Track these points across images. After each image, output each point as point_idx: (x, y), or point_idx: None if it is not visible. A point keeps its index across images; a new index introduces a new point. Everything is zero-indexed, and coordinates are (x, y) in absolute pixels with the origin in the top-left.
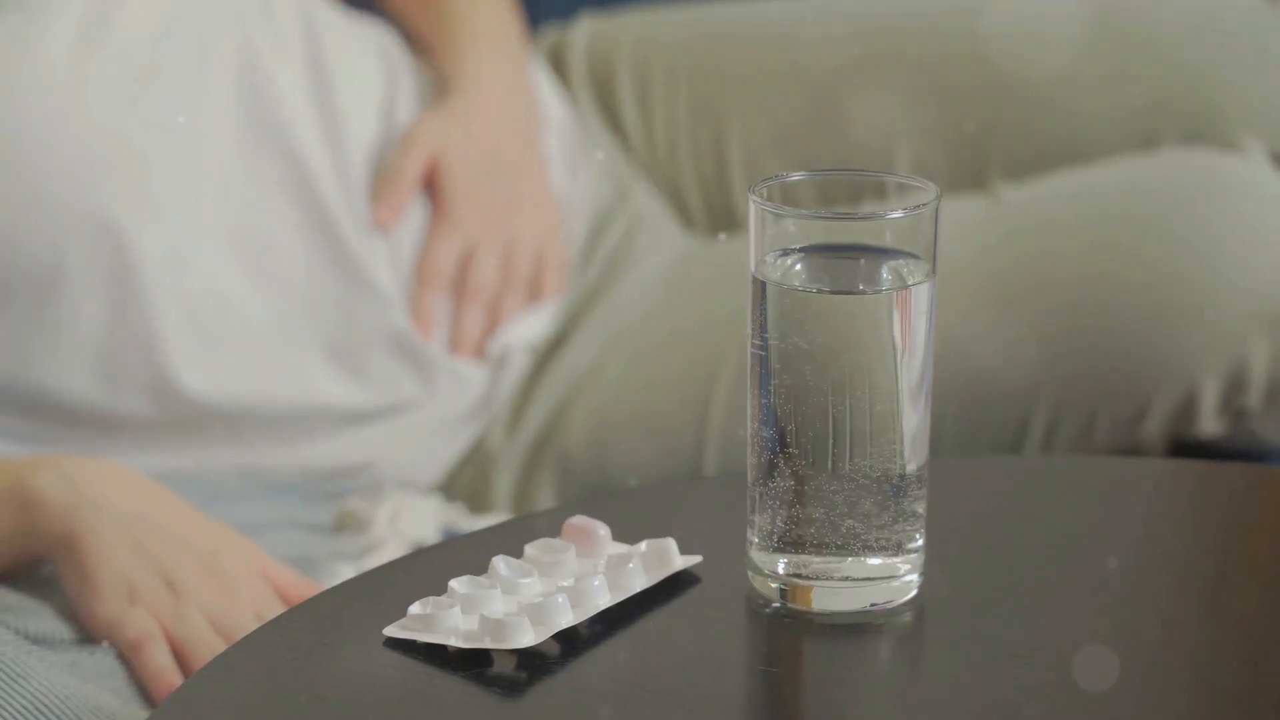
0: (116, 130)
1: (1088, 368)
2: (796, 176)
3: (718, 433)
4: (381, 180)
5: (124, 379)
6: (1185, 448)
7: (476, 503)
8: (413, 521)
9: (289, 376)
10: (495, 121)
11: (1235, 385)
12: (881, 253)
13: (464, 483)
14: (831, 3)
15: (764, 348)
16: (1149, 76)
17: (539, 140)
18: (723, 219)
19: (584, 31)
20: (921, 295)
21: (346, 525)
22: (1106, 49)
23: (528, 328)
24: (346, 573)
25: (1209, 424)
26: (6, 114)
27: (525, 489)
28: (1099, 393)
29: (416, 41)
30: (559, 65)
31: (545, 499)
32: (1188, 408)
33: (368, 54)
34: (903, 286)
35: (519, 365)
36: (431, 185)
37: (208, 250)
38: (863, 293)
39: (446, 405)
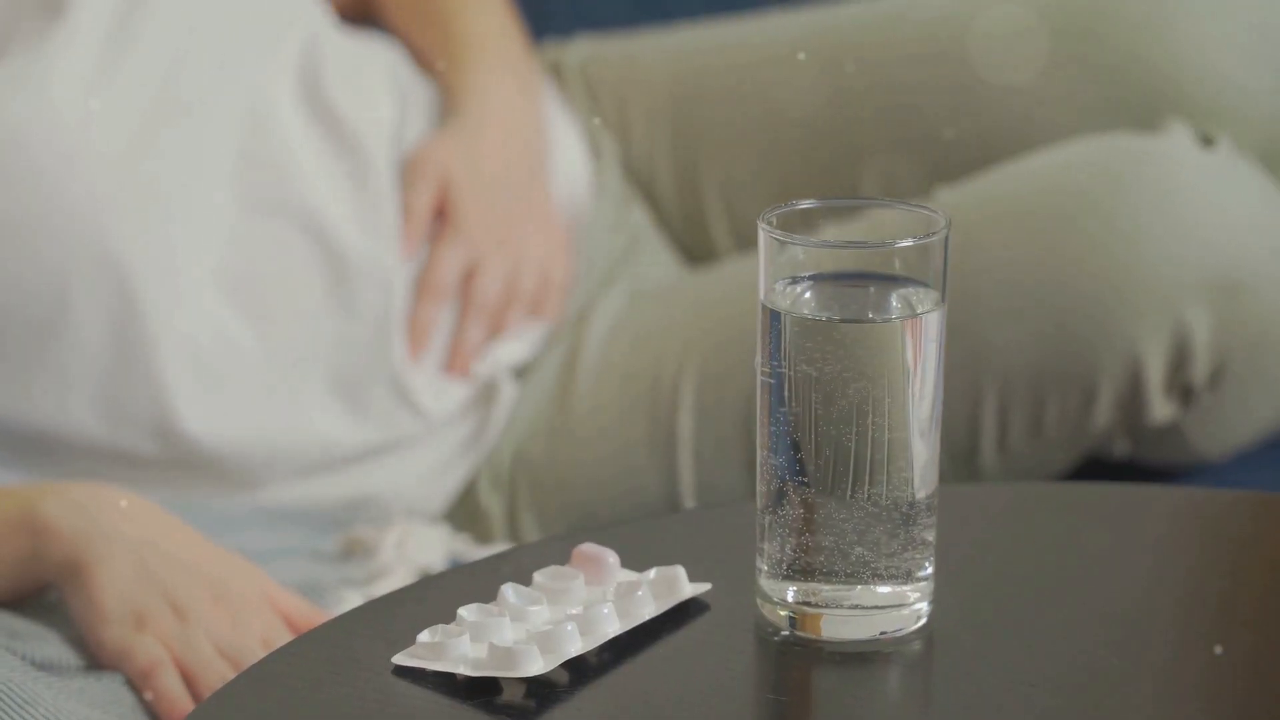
0: (123, 171)
1: (1030, 354)
2: (806, 204)
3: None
4: (403, 216)
5: (126, 418)
6: (1124, 469)
7: (479, 533)
8: (419, 548)
9: (290, 417)
10: (502, 140)
11: (1180, 359)
12: (891, 280)
13: (465, 513)
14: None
15: (773, 375)
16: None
17: (545, 159)
18: (700, 245)
19: (579, 52)
20: (931, 323)
21: (353, 552)
22: (1066, 48)
23: (515, 350)
24: (353, 600)
25: (1158, 407)
26: (14, 154)
27: (514, 517)
28: (1045, 379)
29: (421, 58)
30: (556, 82)
31: (529, 526)
32: (1135, 390)
33: (376, 76)
34: (912, 315)
35: (509, 395)
36: (441, 205)
37: (211, 291)
38: (872, 321)
39: (443, 440)
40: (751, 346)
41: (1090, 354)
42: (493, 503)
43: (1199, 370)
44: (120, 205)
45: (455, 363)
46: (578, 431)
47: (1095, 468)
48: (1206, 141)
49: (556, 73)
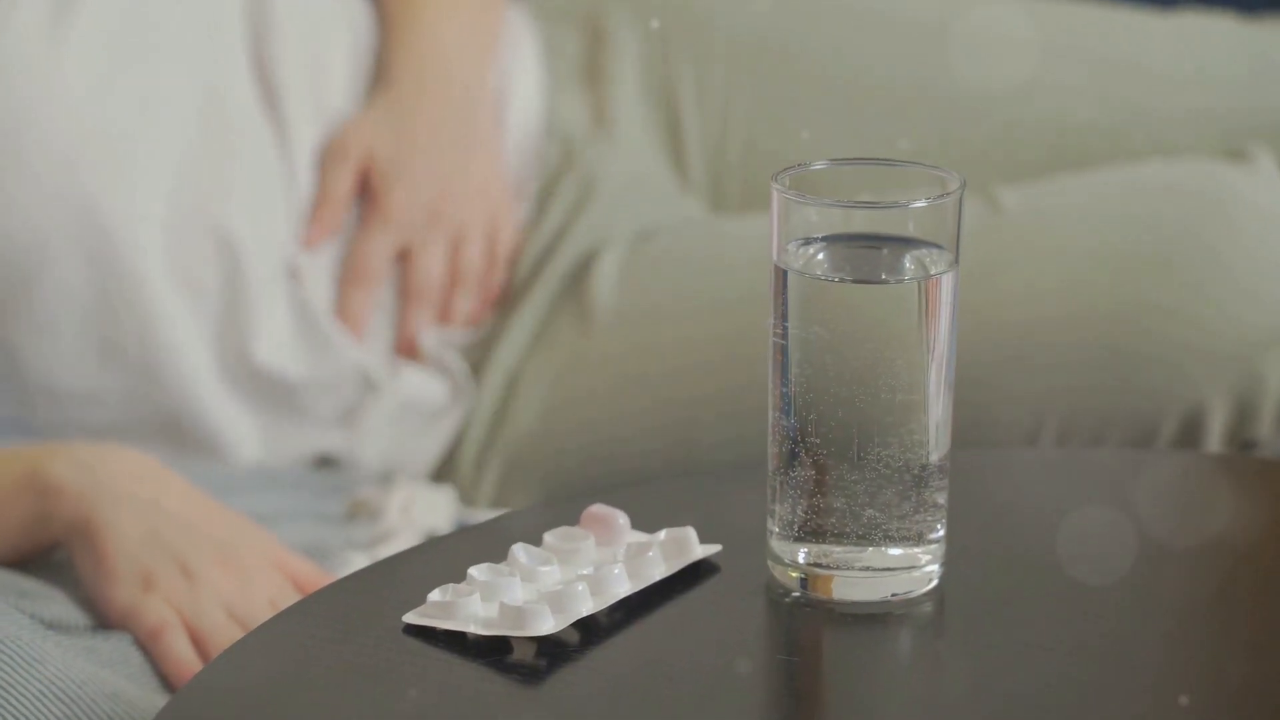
0: (93, 108)
1: (1095, 383)
2: (819, 165)
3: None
4: (315, 200)
5: (114, 359)
6: None
7: (465, 497)
8: (425, 511)
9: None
10: (432, 107)
11: (1245, 411)
12: (905, 242)
13: (459, 478)
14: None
15: (785, 336)
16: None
17: (494, 119)
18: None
19: None
20: (945, 285)
21: (358, 515)
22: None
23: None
24: (359, 561)
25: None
26: None
27: (505, 483)
28: (1105, 410)
29: (380, 12)
30: None
31: (519, 492)
32: (1194, 433)
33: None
34: (926, 276)
35: (462, 369)
36: (365, 185)
37: (182, 223)
38: (885, 282)
39: (411, 405)
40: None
41: (1157, 393)
42: (475, 465)
43: (1265, 423)
44: (92, 142)
45: (402, 345)
46: (584, 398)
47: None
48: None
49: None
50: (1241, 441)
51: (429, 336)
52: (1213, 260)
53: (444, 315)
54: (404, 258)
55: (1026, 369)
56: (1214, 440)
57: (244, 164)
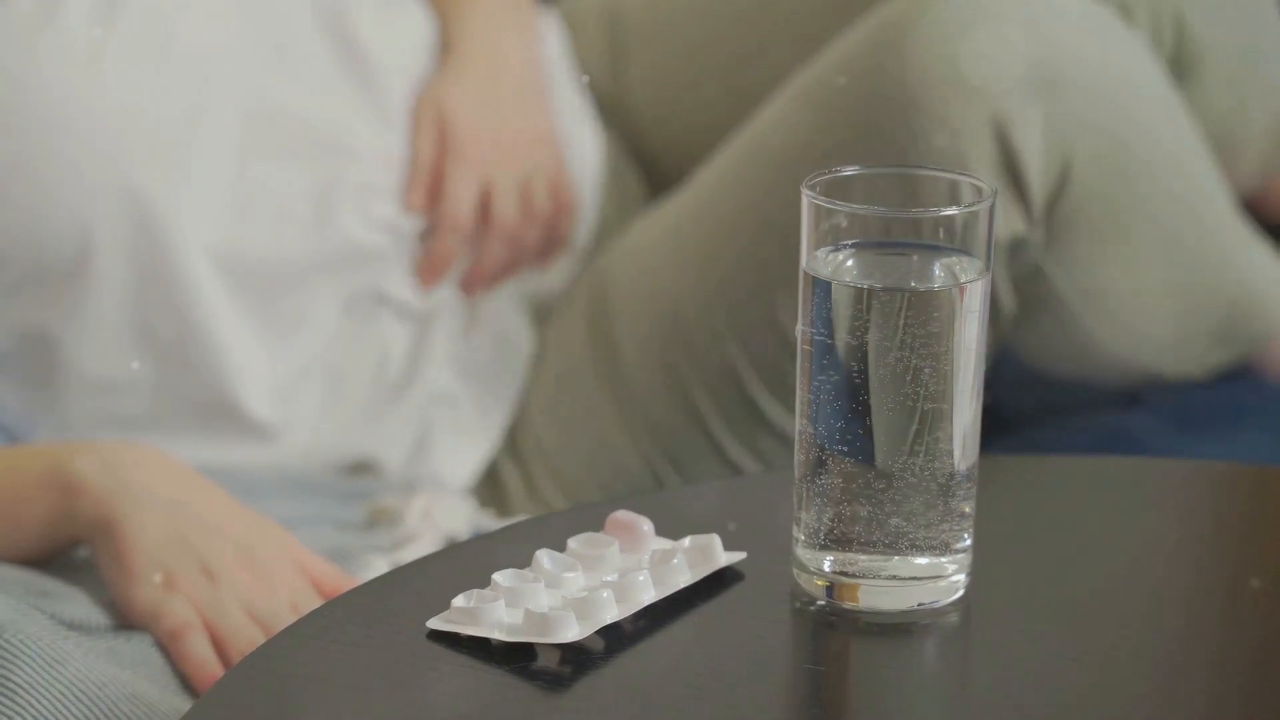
0: (137, 105)
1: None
2: (850, 171)
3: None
4: (412, 172)
5: (158, 354)
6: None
7: (502, 509)
8: (445, 517)
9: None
10: (493, 70)
11: (1010, 161)
12: (934, 249)
13: (488, 489)
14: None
15: (813, 343)
16: None
17: (541, 90)
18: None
19: None
20: (974, 293)
21: (379, 522)
22: None
23: (533, 285)
24: (380, 566)
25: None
26: (28, 96)
27: (535, 492)
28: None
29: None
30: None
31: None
32: None
33: (404, 17)
34: (955, 284)
35: (524, 348)
36: (443, 142)
37: (229, 218)
38: (915, 289)
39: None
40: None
41: (914, 155)
42: (513, 476)
43: (1035, 174)
44: (137, 136)
45: (472, 283)
46: (562, 402)
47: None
48: None
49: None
50: (1022, 201)
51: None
52: (944, 28)
53: (515, 253)
54: (483, 200)
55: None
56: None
57: (288, 158)
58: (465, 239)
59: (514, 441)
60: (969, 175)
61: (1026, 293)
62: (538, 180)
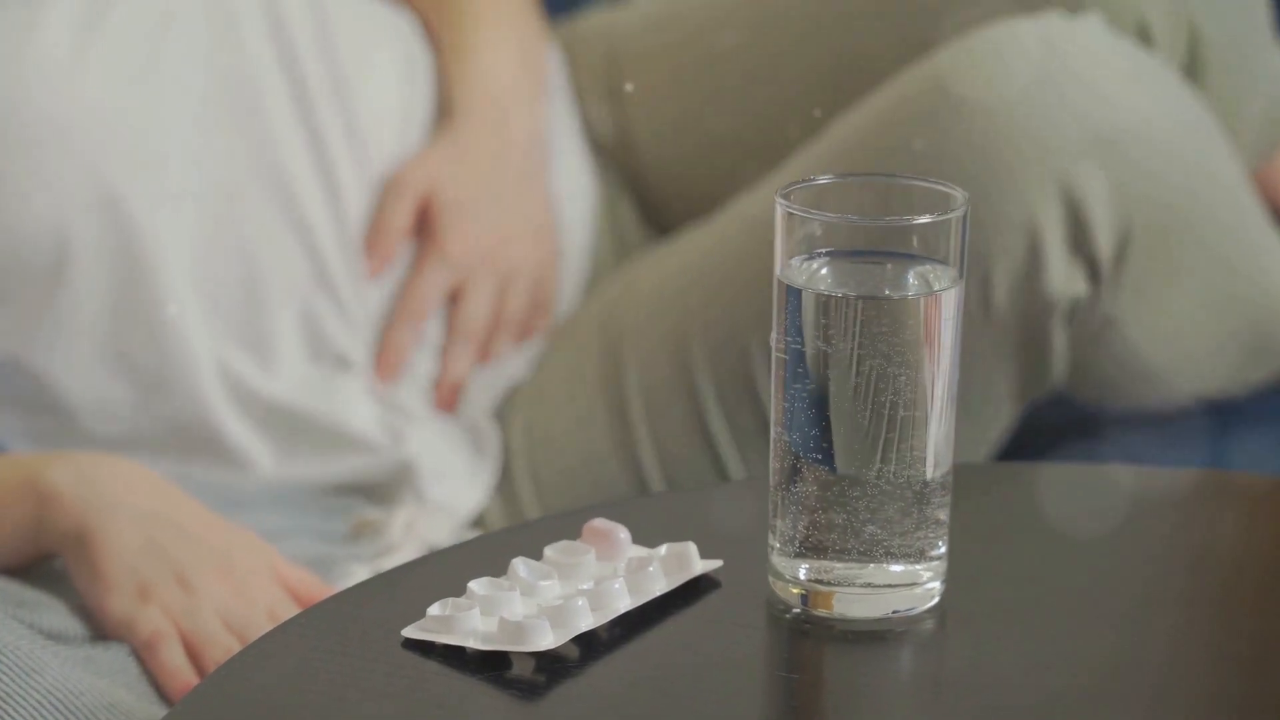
0: (119, 112)
1: None
2: (824, 180)
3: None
4: (371, 230)
5: (132, 367)
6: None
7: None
8: (429, 529)
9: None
10: (497, 142)
11: (1076, 221)
12: (908, 258)
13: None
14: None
15: (788, 352)
16: None
17: (546, 152)
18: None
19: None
20: (948, 300)
21: (362, 534)
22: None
23: (503, 378)
24: (361, 575)
25: (1060, 281)
26: (9, 101)
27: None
28: None
29: (429, 28)
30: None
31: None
32: (1034, 261)
33: (384, 43)
34: (929, 292)
35: (495, 439)
36: (423, 222)
37: (209, 231)
38: (888, 298)
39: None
40: (684, 324)
41: (979, 224)
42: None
43: (1101, 239)
44: (118, 146)
45: (442, 396)
46: (544, 414)
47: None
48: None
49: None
50: (1086, 259)
51: (474, 388)
52: (1012, 87)
53: (483, 356)
54: (453, 298)
55: None
56: (1051, 259)
57: (273, 180)
58: (422, 330)
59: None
60: (941, 183)
61: (1086, 340)
62: (516, 281)
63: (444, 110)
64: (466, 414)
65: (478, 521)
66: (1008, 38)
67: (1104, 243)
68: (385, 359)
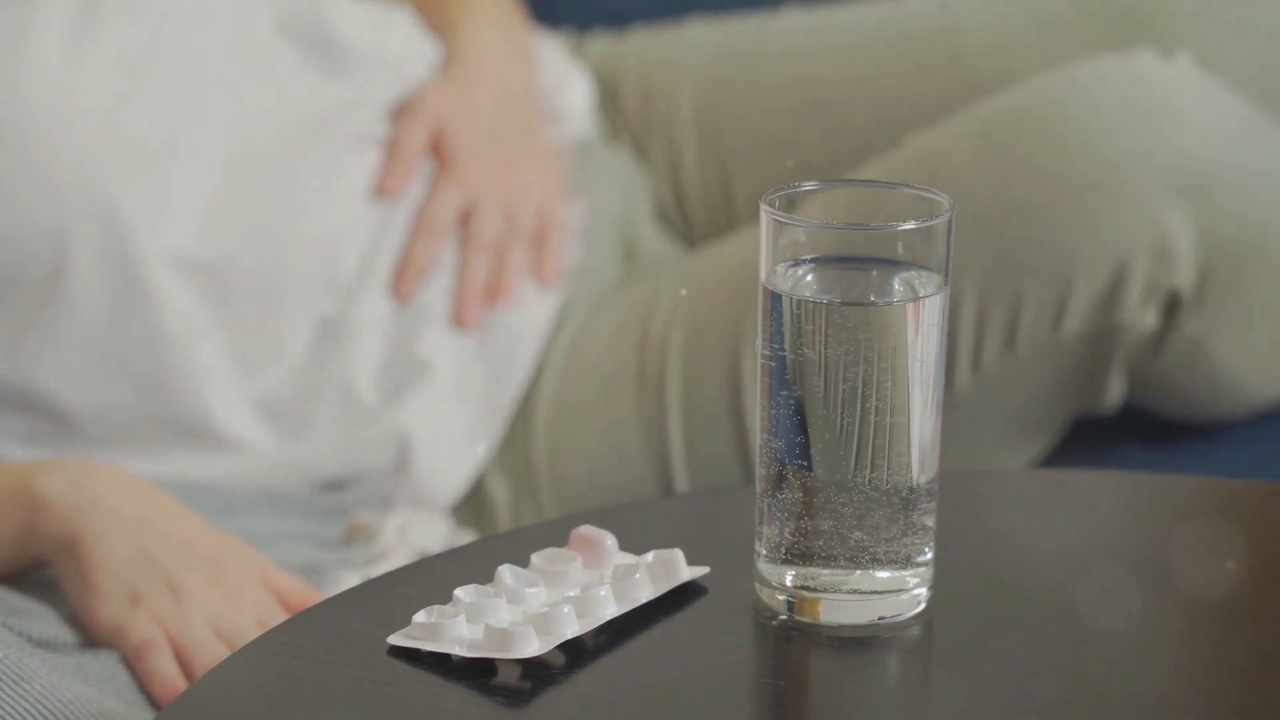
0: (113, 123)
1: (1005, 258)
2: (809, 186)
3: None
4: (390, 152)
5: (126, 378)
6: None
7: (484, 528)
8: (421, 535)
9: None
10: (497, 89)
11: (1160, 262)
12: (894, 264)
13: (472, 507)
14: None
15: (774, 358)
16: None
17: (540, 112)
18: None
19: (596, 48)
20: (934, 307)
21: (355, 538)
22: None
23: (532, 310)
24: (351, 581)
25: (1135, 311)
26: (3, 108)
27: (519, 509)
28: (1020, 280)
29: (428, 20)
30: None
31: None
32: (1113, 293)
33: (385, 29)
34: (914, 298)
35: (524, 362)
36: (436, 150)
37: (205, 240)
38: (874, 304)
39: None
40: (737, 325)
41: (1064, 252)
42: (500, 493)
43: (1183, 273)
44: (113, 152)
45: (461, 307)
46: (571, 410)
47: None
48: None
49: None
50: (1164, 295)
51: (499, 317)
52: (1107, 127)
53: (499, 267)
54: (464, 221)
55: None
56: (1130, 296)
57: (273, 182)
58: (440, 249)
59: (506, 457)
60: (927, 189)
61: (1173, 365)
62: (525, 204)
63: (445, 62)
64: (492, 343)
65: (491, 522)
66: (1104, 72)
67: (1185, 279)
68: (403, 275)
